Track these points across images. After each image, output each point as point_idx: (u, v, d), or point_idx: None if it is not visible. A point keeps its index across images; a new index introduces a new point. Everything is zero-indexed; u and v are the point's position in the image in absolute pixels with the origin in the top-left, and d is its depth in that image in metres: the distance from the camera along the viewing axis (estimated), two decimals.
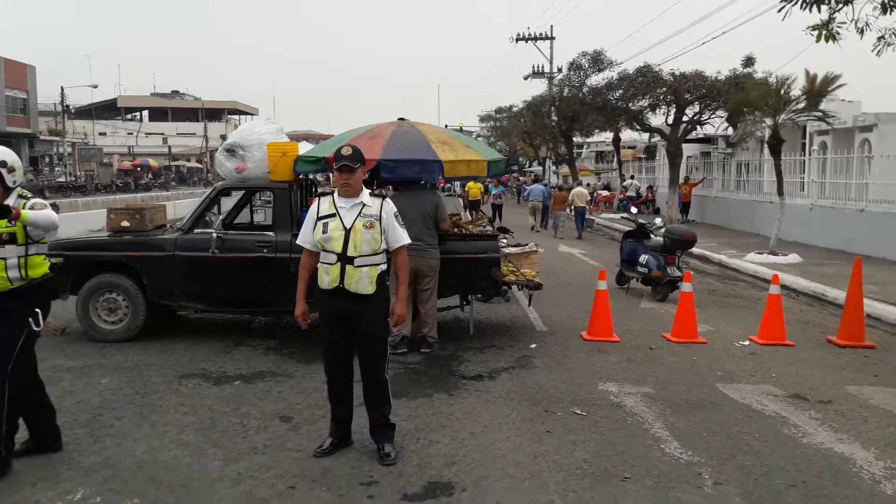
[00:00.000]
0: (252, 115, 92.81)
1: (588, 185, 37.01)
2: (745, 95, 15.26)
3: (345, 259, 3.89)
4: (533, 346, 6.87)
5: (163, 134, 77.57)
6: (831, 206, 15.94)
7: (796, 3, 7.70)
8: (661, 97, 21.76)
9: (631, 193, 29.07)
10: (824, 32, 7.71)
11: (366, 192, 4.06)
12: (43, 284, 4.04)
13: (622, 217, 13.82)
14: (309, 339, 7.00)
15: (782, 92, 13.94)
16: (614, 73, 22.32)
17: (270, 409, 4.97)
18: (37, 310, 3.93)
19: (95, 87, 56.72)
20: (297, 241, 4.19)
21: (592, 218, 23.59)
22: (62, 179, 46.44)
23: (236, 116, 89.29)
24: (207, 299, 6.76)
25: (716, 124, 24.13)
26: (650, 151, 40.80)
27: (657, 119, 23.97)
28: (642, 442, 4.44)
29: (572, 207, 20.16)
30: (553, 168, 41.05)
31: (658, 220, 10.98)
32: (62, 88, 50.86)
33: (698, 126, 22.55)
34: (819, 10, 7.65)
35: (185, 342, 6.73)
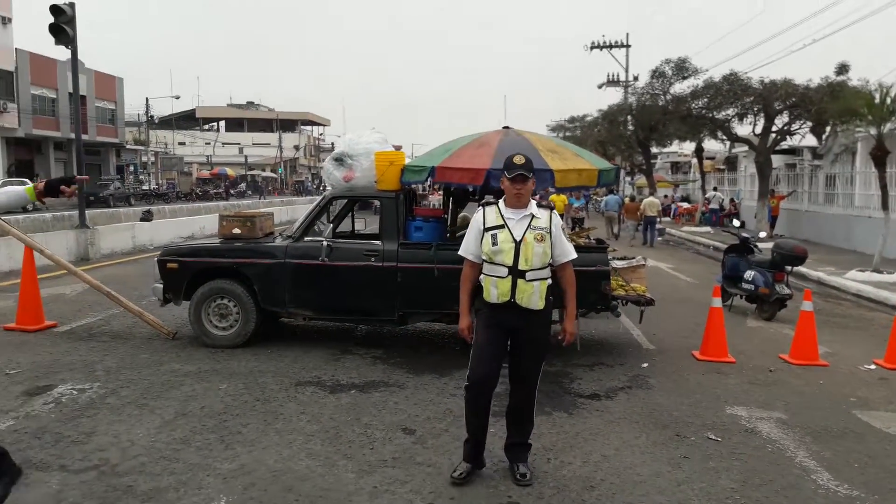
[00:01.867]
0: (324, 125, 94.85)
1: (665, 196, 36.26)
2: (847, 103, 14.53)
3: (516, 273, 3.74)
4: (645, 365, 6.63)
5: (239, 144, 79.90)
6: None
7: None
8: (750, 106, 21.06)
9: (714, 206, 28.20)
10: None
11: (532, 202, 3.91)
12: None
13: (724, 230, 13.38)
14: (414, 350, 6.99)
15: (888, 100, 13.24)
16: (699, 81, 21.74)
17: (391, 420, 4.90)
18: None
19: (178, 97, 59.30)
20: (460, 252, 4.04)
21: (663, 227, 23.24)
22: (146, 187, 48.31)
23: (309, 127, 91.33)
24: (316, 306, 6.79)
25: (805, 134, 23.22)
26: (731, 162, 39.64)
27: (743, 129, 23.23)
28: (789, 471, 4.18)
29: (643, 217, 20.12)
30: (628, 179, 40.24)
31: (762, 234, 10.51)
32: (147, 100, 53.03)
33: (787, 136, 21.71)
34: None
35: (294, 349, 6.77)
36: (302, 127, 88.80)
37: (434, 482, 3.92)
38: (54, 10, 12.08)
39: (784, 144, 24.69)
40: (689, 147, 39.78)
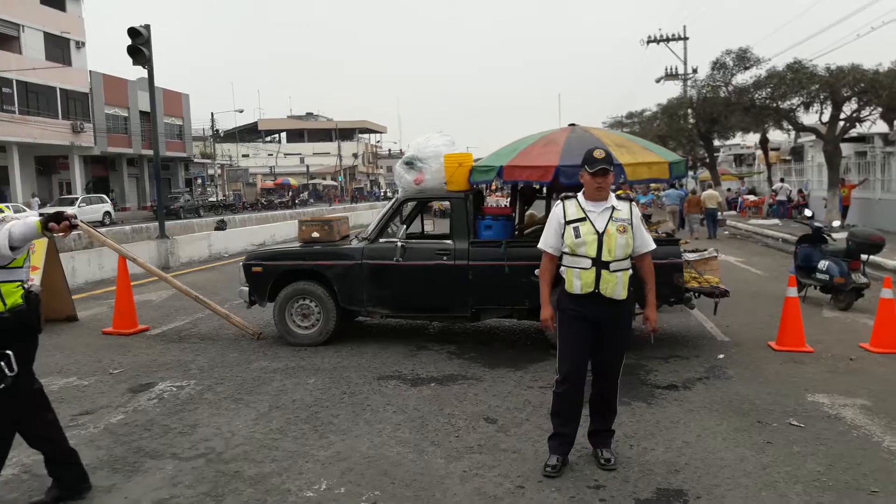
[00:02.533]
0: (381, 133, 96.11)
1: (729, 189, 35.46)
2: None
3: (600, 264, 3.82)
4: (721, 356, 6.62)
5: (300, 154, 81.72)
6: None
7: None
8: (815, 94, 20.45)
9: (781, 197, 27.45)
10: None
11: (612, 195, 3.99)
12: (14, 318, 3.42)
13: (798, 220, 13.10)
14: (487, 345, 7.15)
15: None
16: (762, 71, 21.23)
17: (472, 410, 5.08)
18: (8, 352, 3.36)
19: (241, 111, 60.98)
20: (539, 246, 4.12)
21: (724, 219, 22.97)
22: (213, 199, 49.97)
23: (366, 135, 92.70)
24: (392, 305, 7.03)
25: (875, 121, 22.40)
26: (796, 153, 38.47)
27: (808, 118, 22.57)
28: (877, 455, 4.17)
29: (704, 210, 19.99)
30: (690, 173, 39.48)
31: (836, 223, 10.27)
32: (212, 114, 54.81)
33: (857, 124, 21.00)
34: None
35: (372, 346, 7.03)
36: (359, 135, 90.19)
37: (521, 467, 4.07)
38: (132, 32, 12.76)
39: (853, 132, 23.91)
40: (751, 139, 38.84)
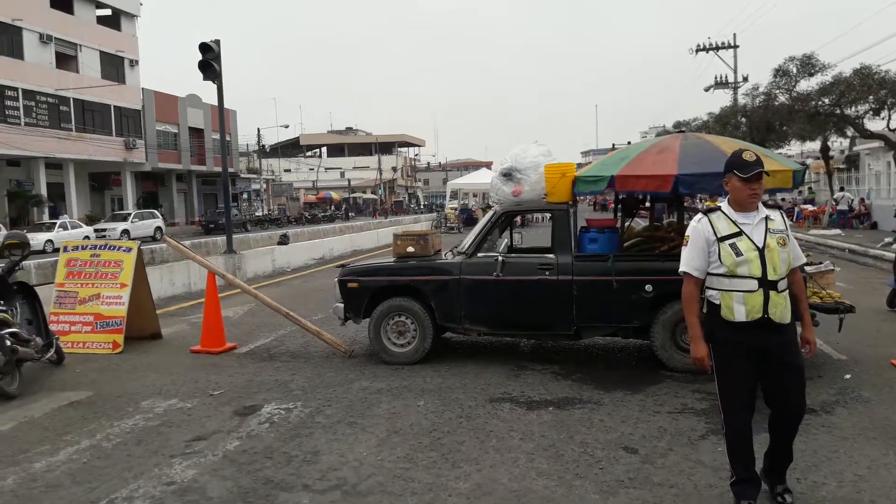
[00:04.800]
0: (420, 146, 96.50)
1: (783, 199, 34.56)
2: None
3: (767, 284, 3.35)
4: (847, 376, 6.20)
5: (340, 168, 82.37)
6: None
7: None
8: (884, 99, 19.76)
9: (842, 207, 26.58)
10: None
11: (760, 204, 3.54)
12: None
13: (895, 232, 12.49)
14: (590, 365, 6.83)
15: None
16: (827, 77, 20.60)
17: (605, 438, 4.76)
18: None
19: (286, 126, 62.01)
20: (683, 269, 3.58)
21: None
22: (259, 213, 50.47)
23: (405, 148, 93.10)
24: (491, 322, 6.76)
25: None
26: (851, 161, 37.39)
27: (874, 125, 21.84)
28: None
29: None
30: None
31: None
32: (258, 130, 55.56)
33: None
34: None
35: (471, 365, 6.75)
36: (398, 149, 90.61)
37: (685, 503, 3.74)
38: (203, 47, 12.81)
39: None
40: (796, 148, 37.77)
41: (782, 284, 3.40)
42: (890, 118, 20.02)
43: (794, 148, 38.34)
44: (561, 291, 6.51)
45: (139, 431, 5.10)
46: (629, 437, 4.79)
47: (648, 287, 6.34)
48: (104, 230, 29.67)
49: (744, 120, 30.03)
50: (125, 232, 30.21)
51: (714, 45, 38.34)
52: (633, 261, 6.55)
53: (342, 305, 7.04)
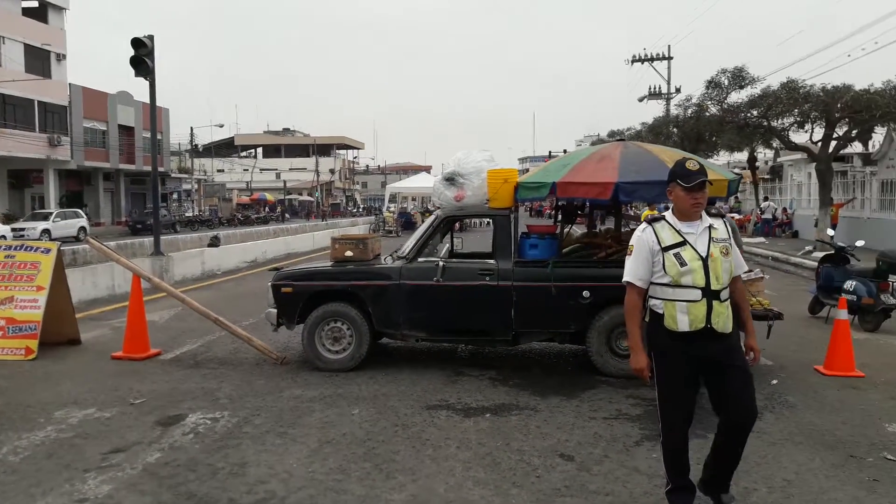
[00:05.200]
0: (358, 149, 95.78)
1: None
2: None
3: (710, 294, 3.33)
4: (774, 381, 6.36)
5: (276, 169, 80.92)
6: None
7: None
8: (808, 113, 20.56)
9: (767, 216, 27.64)
10: None
11: (703, 212, 3.52)
12: None
13: (818, 241, 12.98)
14: (527, 370, 6.80)
15: None
16: (756, 90, 21.31)
17: (541, 445, 4.71)
18: None
19: (221, 126, 60.32)
20: (627, 279, 3.53)
21: None
22: (190, 214, 49.04)
23: (343, 151, 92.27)
24: (430, 327, 6.66)
25: (869, 139, 22.62)
26: (775, 172, 38.93)
27: (799, 137, 22.70)
28: None
29: None
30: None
31: (859, 243, 10.14)
32: (191, 129, 54.00)
33: (850, 143, 21.17)
34: None
35: (407, 372, 6.63)
36: (337, 151, 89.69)
37: None
38: (135, 43, 12.28)
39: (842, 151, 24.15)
40: (724, 158, 39.11)
41: (725, 294, 3.39)
42: (813, 131, 20.84)
43: (723, 158, 39.59)
44: (501, 297, 6.47)
45: (51, 444, 4.77)
46: (565, 443, 4.76)
47: (586, 293, 6.36)
48: (22, 230, 28.18)
49: (675, 130, 30.84)
50: (45, 232, 28.79)
51: (649, 57, 39.30)
52: (572, 267, 6.55)
53: (275, 311, 6.81)
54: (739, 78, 21.16)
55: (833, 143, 20.41)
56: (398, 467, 4.33)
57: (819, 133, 20.60)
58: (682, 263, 3.36)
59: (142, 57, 12.42)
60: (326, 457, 4.51)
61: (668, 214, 3.54)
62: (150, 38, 12.61)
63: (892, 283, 8.93)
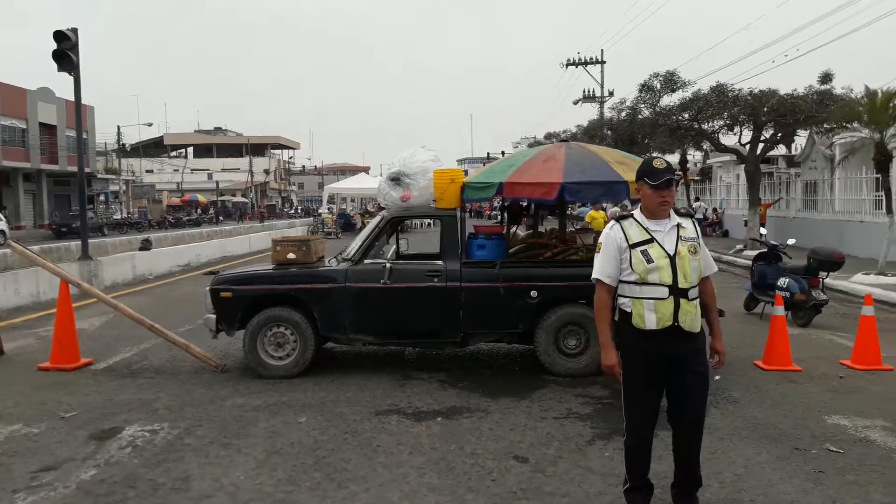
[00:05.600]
0: (294, 149, 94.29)
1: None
2: (851, 110, 14.71)
3: (678, 292, 3.31)
4: (717, 377, 6.48)
5: (208, 170, 78.92)
6: None
7: None
8: (736, 116, 21.28)
9: (699, 216, 28.48)
10: None
11: (672, 212, 3.51)
12: None
13: (751, 239, 13.40)
14: (476, 372, 6.76)
15: (891, 106, 13.47)
16: (687, 94, 21.94)
17: (495, 448, 4.66)
18: None
19: (150, 125, 58.76)
20: (596, 276, 3.51)
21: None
22: (118, 216, 47.27)
23: (278, 151, 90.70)
24: (378, 331, 6.54)
25: (794, 141, 23.58)
26: (704, 173, 40.25)
27: (728, 139, 23.48)
28: None
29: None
30: None
31: (791, 241, 10.51)
32: (118, 128, 52.11)
33: (775, 145, 22.01)
34: None
35: (354, 377, 6.48)
36: (272, 151, 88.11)
37: None
38: (58, 36, 11.68)
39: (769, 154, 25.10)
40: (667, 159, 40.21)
41: (693, 293, 3.38)
42: (741, 133, 21.59)
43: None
44: (450, 298, 6.40)
45: None
46: (518, 445, 4.72)
47: (533, 293, 6.36)
48: None
49: (609, 133, 31.52)
50: None
51: (583, 61, 40.07)
52: (519, 267, 6.55)
53: (214, 316, 6.56)
54: (671, 82, 21.73)
55: (760, 146, 21.19)
56: (350, 476, 4.21)
57: (747, 136, 21.35)
58: (649, 260, 3.34)
59: (65, 51, 11.83)
60: (274, 467, 4.35)
61: (637, 213, 3.53)
62: (74, 31, 12.03)
63: (822, 279, 9.30)
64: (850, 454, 4.49)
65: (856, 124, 14.65)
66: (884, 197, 14.22)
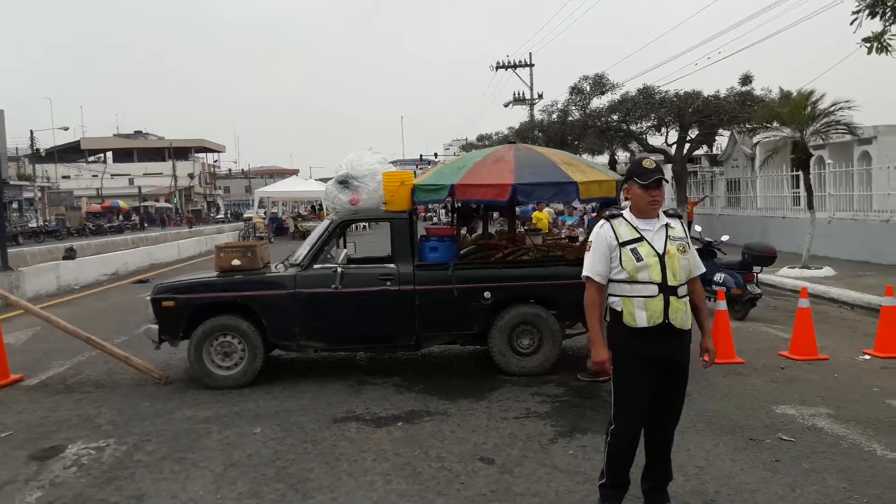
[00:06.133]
0: (219, 152, 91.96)
1: (576, 209, 37.33)
2: (772, 110, 15.38)
3: (667, 290, 3.36)
4: None
5: (129, 175, 76.06)
6: (852, 219, 16.19)
7: (864, 12, 7.93)
8: (663, 117, 22.01)
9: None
10: (876, 45, 7.87)
11: (661, 212, 3.55)
12: None
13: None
14: (430, 375, 6.72)
15: (810, 107, 14.15)
16: (616, 96, 22.56)
17: (459, 451, 4.63)
18: None
19: (66, 129, 55.58)
20: (586, 273, 3.53)
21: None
22: (34, 224, 45.01)
23: (203, 154, 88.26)
24: (330, 337, 6.41)
25: (714, 141, 24.54)
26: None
27: (655, 140, 24.26)
28: (882, 465, 4.23)
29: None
30: None
31: (724, 238, 10.89)
32: (31, 132, 49.61)
33: (700, 145, 22.86)
34: (881, 20, 7.83)
35: (306, 384, 6.33)
36: (196, 154, 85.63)
37: None
38: None
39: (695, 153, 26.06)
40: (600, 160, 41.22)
41: (682, 290, 3.43)
42: (668, 134, 22.39)
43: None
44: (403, 301, 6.34)
45: None
46: (482, 447, 4.70)
47: (487, 294, 6.37)
48: None
49: (540, 134, 32.03)
50: None
51: (512, 63, 40.54)
52: (472, 269, 6.54)
53: (156, 327, 6.28)
54: (600, 84, 22.31)
55: (686, 146, 21.99)
56: (314, 486, 4.10)
57: (674, 136, 22.12)
58: (639, 258, 3.38)
59: None
60: (234, 480, 4.19)
61: (626, 212, 3.57)
62: None
63: (756, 273, 9.67)
64: (801, 442, 4.66)
65: (775, 124, 15.37)
66: (805, 193, 14.92)
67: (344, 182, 6.57)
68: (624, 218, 3.53)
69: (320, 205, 35.09)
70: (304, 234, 27.41)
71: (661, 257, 3.40)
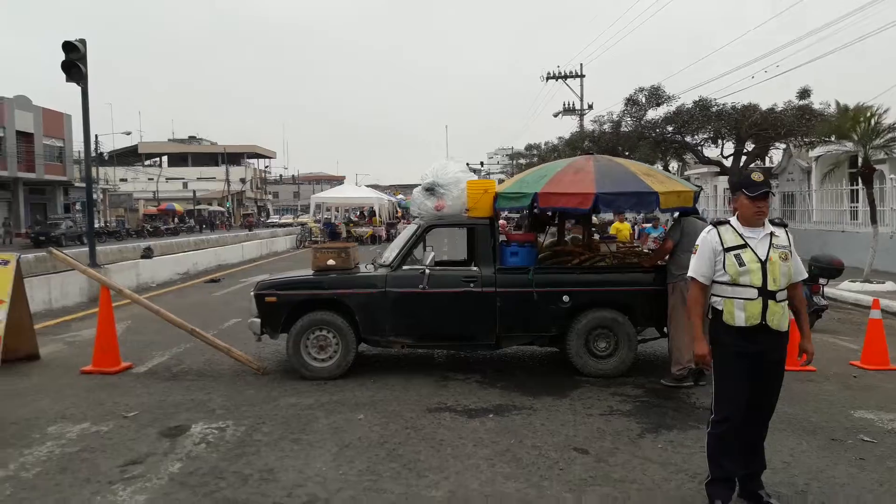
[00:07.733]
0: (270, 158, 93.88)
1: (626, 219, 37.27)
2: (833, 125, 15.36)
3: (766, 294, 3.64)
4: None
5: (183, 178, 78.28)
6: None
7: None
8: (720, 129, 21.98)
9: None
10: None
11: (767, 221, 3.82)
12: None
13: None
14: (508, 372, 7.05)
15: (873, 121, 14.12)
16: (672, 108, 22.61)
17: (553, 441, 4.94)
18: None
19: (129, 133, 57.54)
20: (691, 274, 3.86)
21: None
22: (96, 225, 46.74)
23: (254, 160, 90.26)
24: (416, 334, 6.79)
25: (771, 155, 24.38)
26: None
27: (711, 152, 24.20)
28: None
29: None
30: None
31: None
32: (96, 136, 51.51)
33: (757, 158, 22.76)
34: None
35: (394, 378, 6.72)
36: (247, 160, 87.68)
37: (653, 498, 3.99)
38: (67, 46, 11.75)
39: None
40: None
41: (781, 295, 3.69)
42: (724, 147, 22.37)
43: None
44: (485, 303, 6.68)
45: (58, 459, 4.61)
46: (574, 438, 5.01)
47: (565, 298, 6.67)
48: None
49: (591, 144, 32.13)
50: None
51: (563, 74, 40.78)
52: (551, 273, 6.85)
53: (259, 320, 6.76)
54: (656, 96, 22.40)
55: (743, 158, 21.91)
56: (425, 466, 4.46)
57: (729, 148, 22.08)
58: (741, 264, 3.68)
59: (74, 61, 11.91)
60: (351, 459, 4.58)
61: (733, 220, 3.87)
62: (83, 41, 12.10)
63: (822, 285, 9.76)
64: (883, 444, 4.86)
65: (833, 138, 15.32)
66: (869, 208, 14.85)
67: (430, 189, 6.97)
68: (731, 225, 3.83)
69: (371, 210, 35.77)
70: (357, 239, 28.03)
71: (763, 263, 3.68)
